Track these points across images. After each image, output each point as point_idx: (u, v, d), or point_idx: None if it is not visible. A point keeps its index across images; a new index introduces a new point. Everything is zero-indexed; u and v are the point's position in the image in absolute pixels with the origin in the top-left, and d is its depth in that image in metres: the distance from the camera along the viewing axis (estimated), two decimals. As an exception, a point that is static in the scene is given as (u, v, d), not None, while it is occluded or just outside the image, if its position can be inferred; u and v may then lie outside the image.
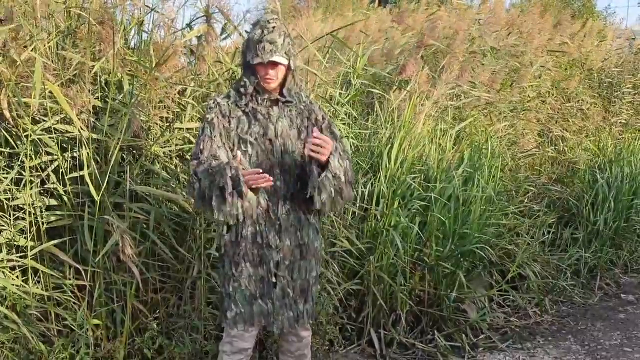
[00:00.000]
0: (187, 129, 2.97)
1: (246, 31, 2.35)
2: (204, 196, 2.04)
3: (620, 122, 6.07)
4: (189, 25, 3.12)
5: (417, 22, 4.90)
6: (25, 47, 2.49)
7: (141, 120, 2.78)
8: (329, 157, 2.10)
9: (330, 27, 3.87)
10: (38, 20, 2.60)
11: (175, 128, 2.95)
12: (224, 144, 2.16)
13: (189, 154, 3.06)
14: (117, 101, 2.68)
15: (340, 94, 3.64)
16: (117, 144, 2.57)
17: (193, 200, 2.12)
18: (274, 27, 2.13)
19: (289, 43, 2.16)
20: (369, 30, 4.76)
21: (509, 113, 4.85)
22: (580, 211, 4.88)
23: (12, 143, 2.55)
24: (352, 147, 3.50)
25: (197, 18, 3.09)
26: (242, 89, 2.20)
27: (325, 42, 3.66)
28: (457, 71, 4.01)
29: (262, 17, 2.21)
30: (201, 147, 2.13)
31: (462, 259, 3.64)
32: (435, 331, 3.50)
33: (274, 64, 2.14)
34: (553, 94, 5.46)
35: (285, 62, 2.15)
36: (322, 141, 2.07)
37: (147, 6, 2.91)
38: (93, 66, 2.61)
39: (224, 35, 3.15)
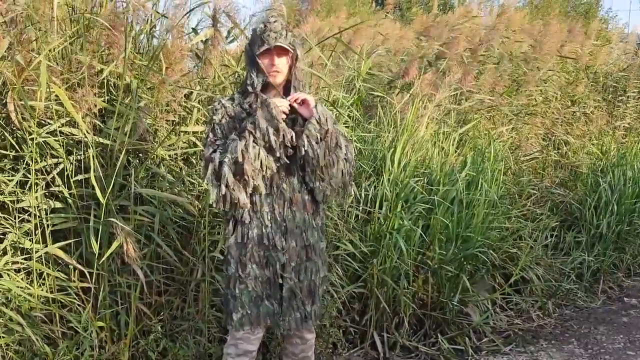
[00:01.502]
0: (193, 132, 2.99)
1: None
2: (220, 174, 2.08)
3: (623, 126, 6.07)
4: (194, 30, 3.13)
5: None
6: (32, 50, 2.50)
7: (147, 123, 2.79)
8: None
9: (334, 30, 3.89)
10: (46, 24, 2.61)
11: (181, 131, 2.96)
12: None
13: (194, 157, 3.07)
14: (124, 105, 2.69)
15: (343, 96, 3.65)
16: (123, 147, 2.58)
17: (208, 176, 2.13)
18: (275, 21, 2.18)
19: (292, 35, 2.21)
20: (384, 37, 4.79)
21: (513, 117, 4.86)
22: (583, 215, 4.88)
23: (17, 146, 2.56)
24: (356, 150, 3.51)
25: (200, 21, 3.11)
26: (249, 88, 2.20)
27: (329, 46, 3.67)
28: (460, 74, 4.02)
29: (264, 18, 2.26)
30: (212, 142, 2.16)
31: (465, 262, 3.64)
32: (439, 334, 3.50)
33: (280, 53, 2.17)
34: (557, 98, 5.47)
35: (291, 50, 2.18)
36: (299, 95, 2.17)
37: (158, 13, 2.92)
38: (102, 70, 2.62)
39: (230, 39, 3.16)
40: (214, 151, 2.13)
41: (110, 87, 2.78)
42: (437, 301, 3.57)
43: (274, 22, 2.17)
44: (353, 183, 2.35)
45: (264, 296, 2.22)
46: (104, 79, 2.68)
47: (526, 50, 5.19)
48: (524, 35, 5.31)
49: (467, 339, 3.52)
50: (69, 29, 2.76)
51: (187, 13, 2.84)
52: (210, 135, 2.19)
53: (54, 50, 2.62)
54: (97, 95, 2.62)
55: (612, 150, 5.55)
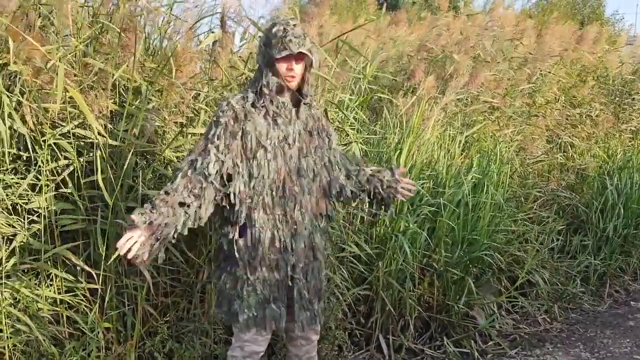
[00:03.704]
0: (200, 134, 2.99)
1: (260, 36, 2.37)
2: None
3: (630, 129, 6.05)
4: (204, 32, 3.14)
5: (422, 29, 4.94)
6: (50, 52, 2.51)
7: (156, 125, 2.80)
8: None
9: (339, 32, 3.88)
10: (63, 28, 2.62)
11: (188, 133, 2.97)
12: (224, 155, 2.12)
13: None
14: (134, 106, 2.70)
15: (350, 99, 3.64)
16: (132, 149, 2.59)
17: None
18: (295, 25, 2.16)
19: (310, 41, 2.19)
20: (379, 37, 4.80)
21: (518, 118, 4.85)
22: (589, 218, 4.86)
23: (31, 148, 2.56)
24: (361, 153, 3.51)
25: (200, 19, 3.08)
26: (265, 89, 2.15)
27: (335, 46, 3.67)
28: (468, 77, 4.02)
29: (279, 18, 2.23)
30: (199, 154, 2.12)
31: (471, 265, 3.64)
32: (444, 337, 3.50)
33: (299, 59, 2.15)
34: (561, 101, 5.45)
35: (311, 56, 2.17)
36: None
37: (174, 15, 2.92)
38: (112, 74, 2.62)
39: (243, 42, 3.15)
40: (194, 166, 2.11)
41: (121, 90, 2.79)
42: (442, 304, 3.57)
43: (294, 25, 2.15)
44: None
45: (271, 299, 2.21)
46: (115, 81, 2.69)
47: (525, 52, 5.18)
48: (526, 38, 5.30)
49: (472, 342, 3.52)
50: (84, 32, 2.76)
51: (200, 19, 2.84)
52: (211, 135, 2.12)
53: (70, 55, 2.62)
54: (108, 97, 2.63)
55: (619, 153, 5.53)
